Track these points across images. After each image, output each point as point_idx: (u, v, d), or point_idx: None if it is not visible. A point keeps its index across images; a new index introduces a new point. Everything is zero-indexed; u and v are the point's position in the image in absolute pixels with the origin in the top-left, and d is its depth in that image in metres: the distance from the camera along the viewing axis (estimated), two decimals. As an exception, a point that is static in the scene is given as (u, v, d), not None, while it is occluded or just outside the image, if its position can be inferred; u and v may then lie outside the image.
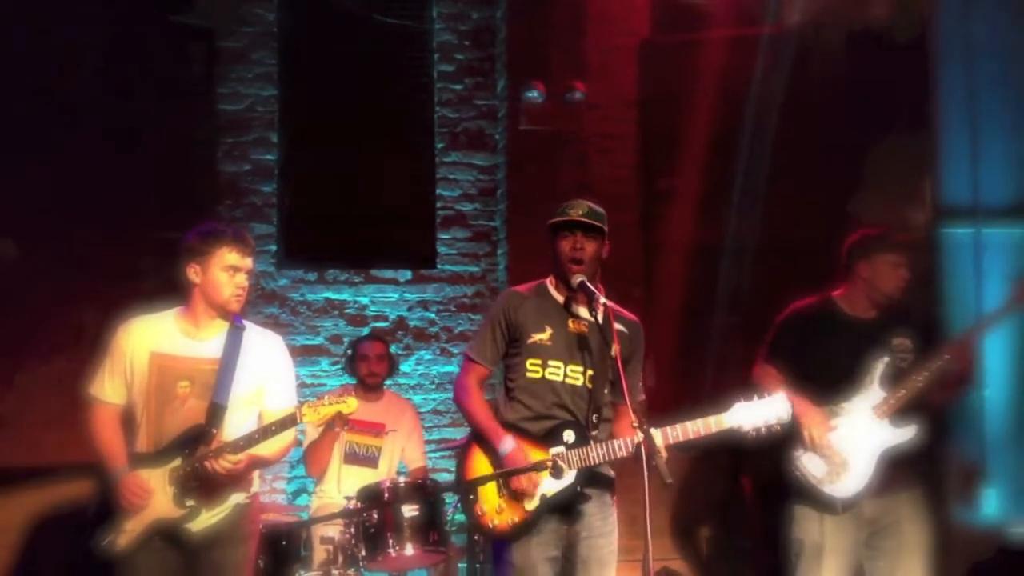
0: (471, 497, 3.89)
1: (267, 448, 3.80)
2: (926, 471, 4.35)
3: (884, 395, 4.17)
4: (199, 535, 3.77)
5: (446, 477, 6.27)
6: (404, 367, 6.50)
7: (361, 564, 4.78)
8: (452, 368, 6.67)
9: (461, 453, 4.01)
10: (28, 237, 5.89)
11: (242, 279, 3.81)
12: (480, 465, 3.91)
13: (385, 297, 6.70)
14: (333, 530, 4.97)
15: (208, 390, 3.77)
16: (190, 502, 3.73)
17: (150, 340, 3.82)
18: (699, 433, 3.71)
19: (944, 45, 5.85)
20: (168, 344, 3.82)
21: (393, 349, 5.99)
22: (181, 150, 6.31)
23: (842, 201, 5.85)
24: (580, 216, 3.84)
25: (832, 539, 4.19)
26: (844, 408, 4.21)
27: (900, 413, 4.16)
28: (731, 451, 5.28)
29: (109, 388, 3.83)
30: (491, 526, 3.85)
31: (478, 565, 5.18)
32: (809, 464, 4.20)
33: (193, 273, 3.81)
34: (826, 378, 4.17)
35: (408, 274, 6.74)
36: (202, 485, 3.73)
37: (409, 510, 4.79)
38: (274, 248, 6.60)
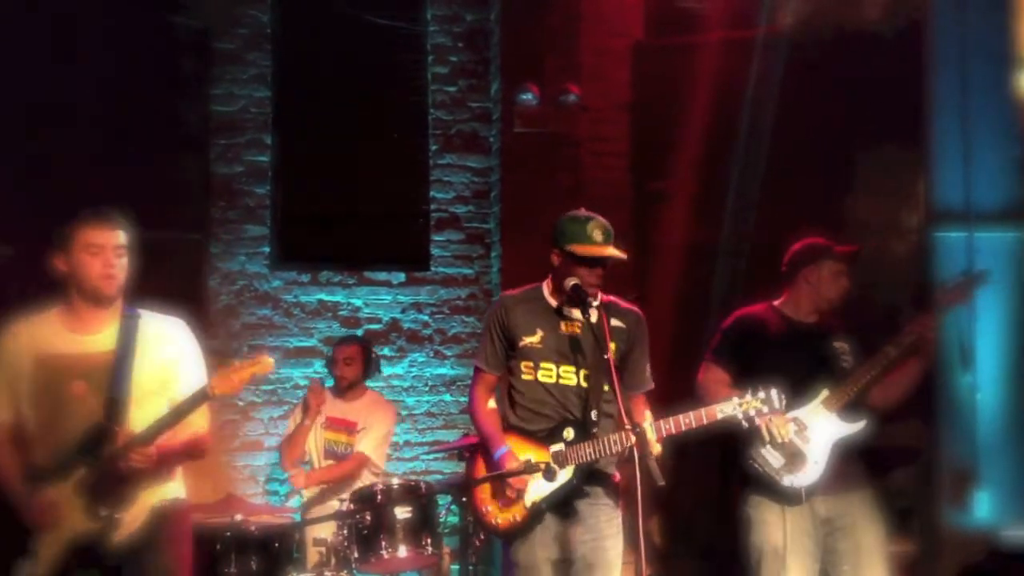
0: (472, 495, 3.94)
1: (184, 434, 3.56)
2: (883, 470, 4.44)
3: (832, 390, 4.29)
4: (119, 548, 3.47)
5: (438, 479, 6.27)
6: (397, 369, 6.51)
7: (354, 566, 4.79)
8: (445, 370, 6.68)
9: (470, 457, 4.07)
10: (21, 238, 5.87)
11: (109, 257, 3.50)
12: (485, 468, 3.96)
13: (378, 299, 6.71)
14: (326, 532, 4.98)
15: (105, 385, 3.49)
16: (104, 511, 3.45)
17: (34, 343, 3.53)
18: (691, 425, 3.75)
19: (937, 48, 5.86)
20: (55, 343, 3.53)
21: (386, 351, 6.00)
22: (175, 151, 6.30)
23: (835, 203, 5.87)
24: (605, 248, 3.83)
25: (789, 539, 4.24)
26: (794, 404, 4.27)
27: (849, 406, 4.27)
28: (723, 452, 5.28)
29: None
30: (495, 523, 3.90)
31: (471, 567, 5.18)
32: (767, 456, 4.28)
33: (61, 263, 3.53)
34: (773, 380, 4.22)
35: (402, 276, 6.75)
36: (115, 489, 3.46)
37: (402, 512, 4.79)
38: (267, 249, 6.60)
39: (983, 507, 5.56)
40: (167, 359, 3.62)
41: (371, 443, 5.67)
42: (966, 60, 5.73)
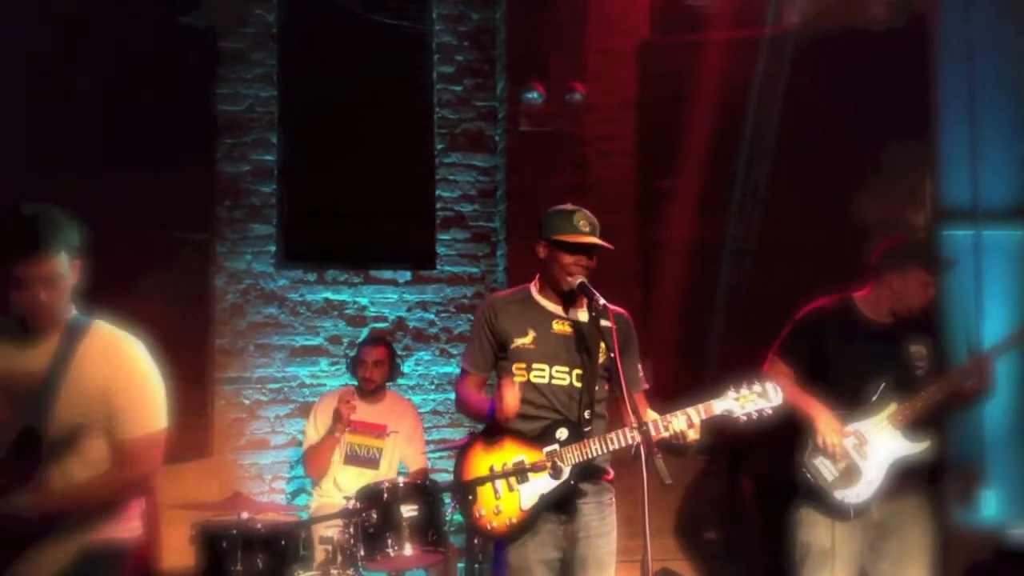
0: (469, 499, 3.89)
1: (86, 489, 3.10)
2: (932, 477, 4.35)
3: (899, 404, 4.17)
4: None
5: (445, 477, 6.27)
6: (404, 367, 6.50)
7: (360, 564, 4.78)
8: (451, 369, 6.68)
9: (459, 455, 4.02)
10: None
11: (37, 291, 3.02)
12: (478, 466, 3.91)
13: (384, 298, 6.71)
14: (332, 530, 4.97)
15: (25, 411, 3.03)
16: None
17: None
18: (691, 421, 3.71)
19: (944, 46, 5.84)
20: None
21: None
22: (180, 150, 6.30)
23: (841, 202, 5.85)
24: (589, 236, 3.83)
25: (841, 545, 4.17)
26: (858, 414, 4.20)
27: (914, 423, 4.16)
28: (731, 451, 5.29)
29: None
30: (489, 528, 3.85)
31: (477, 565, 5.19)
32: (820, 467, 4.20)
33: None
34: (841, 380, 4.17)
35: (407, 275, 6.75)
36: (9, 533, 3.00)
37: (408, 510, 4.79)
38: (273, 248, 6.60)
39: (990, 506, 5.54)
40: (100, 388, 3.10)
41: (418, 454, 5.73)
42: (973, 57, 5.72)
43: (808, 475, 4.21)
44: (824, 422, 4.15)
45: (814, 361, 4.25)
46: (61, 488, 3.08)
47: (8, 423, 3.04)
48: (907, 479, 4.21)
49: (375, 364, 5.67)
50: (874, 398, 4.19)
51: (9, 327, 3.14)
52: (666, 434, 3.69)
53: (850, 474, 4.15)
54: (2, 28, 5.79)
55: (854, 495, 4.15)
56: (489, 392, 4.07)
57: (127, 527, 3.27)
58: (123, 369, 3.15)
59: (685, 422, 3.69)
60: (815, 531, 4.22)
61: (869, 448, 4.16)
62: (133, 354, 3.19)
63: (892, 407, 4.18)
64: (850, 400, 4.20)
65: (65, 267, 3.09)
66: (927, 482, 4.32)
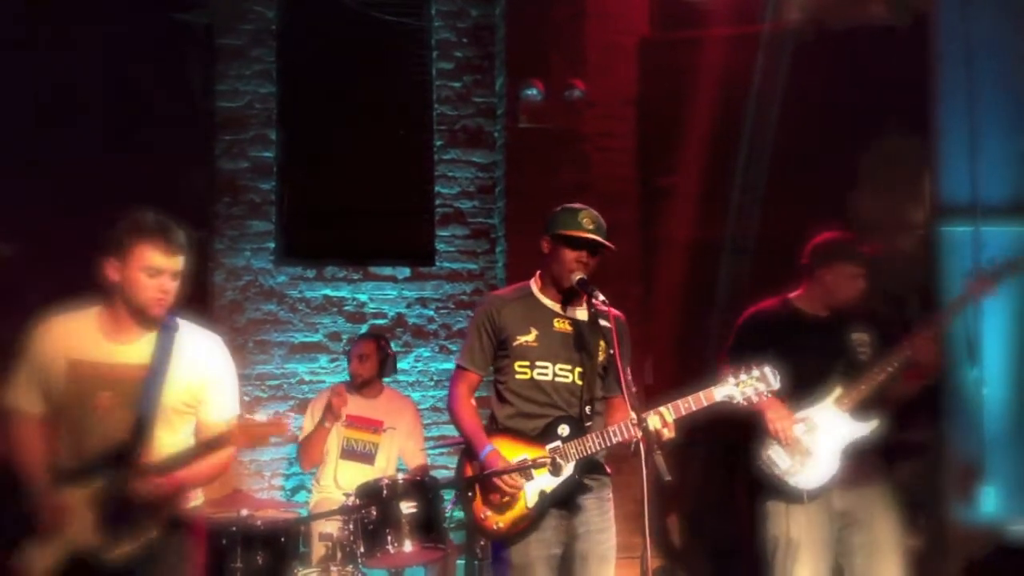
0: (471, 498, 3.88)
1: (200, 468, 3.43)
2: (892, 465, 4.42)
3: (846, 388, 4.25)
4: (121, 561, 3.35)
5: (445, 474, 6.28)
6: (403, 364, 6.50)
7: (360, 561, 4.79)
8: (451, 365, 6.64)
9: (462, 455, 4.02)
10: (25, 234, 5.87)
11: (167, 282, 3.35)
12: (477, 468, 3.90)
13: (384, 294, 6.71)
14: (332, 527, 4.98)
15: (134, 400, 3.36)
16: (110, 529, 3.32)
17: (69, 344, 3.39)
18: (691, 408, 3.74)
19: (944, 43, 5.85)
20: (89, 349, 3.39)
21: (392, 346, 5.98)
22: (179, 147, 6.30)
23: (841, 199, 5.85)
24: (593, 234, 3.84)
25: (803, 531, 4.23)
26: (808, 402, 4.27)
27: (862, 406, 4.24)
28: (728, 447, 5.28)
29: (25, 397, 3.42)
30: (495, 528, 3.84)
31: (476, 562, 5.19)
32: (776, 457, 4.27)
33: (112, 269, 3.35)
34: (789, 376, 4.20)
35: (407, 271, 6.75)
36: (124, 510, 3.32)
37: (408, 507, 4.80)
38: (272, 245, 6.60)
39: (989, 502, 5.56)
40: (199, 379, 3.48)
41: (417, 450, 5.72)
42: (972, 54, 5.73)
43: (765, 466, 4.28)
44: (773, 411, 4.22)
45: (761, 360, 4.29)
46: (175, 469, 3.38)
47: (112, 409, 3.36)
48: (865, 466, 4.28)
49: (360, 358, 5.68)
50: (821, 386, 4.27)
51: (92, 319, 3.43)
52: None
53: (803, 459, 4.23)
54: (3, 25, 5.79)
55: (807, 480, 4.22)
56: (485, 389, 4.07)
57: (191, 497, 3.59)
58: (213, 361, 3.54)
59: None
60: (779, 523, 4.29)
61: (820, 432, 4.24)
62: (220, 348, 3.58)
63: (837, 392, 4.26)
64: (799, 393, 4.25)
65: (184, 270, 3.44)
66: (888, 472, 4.38)
